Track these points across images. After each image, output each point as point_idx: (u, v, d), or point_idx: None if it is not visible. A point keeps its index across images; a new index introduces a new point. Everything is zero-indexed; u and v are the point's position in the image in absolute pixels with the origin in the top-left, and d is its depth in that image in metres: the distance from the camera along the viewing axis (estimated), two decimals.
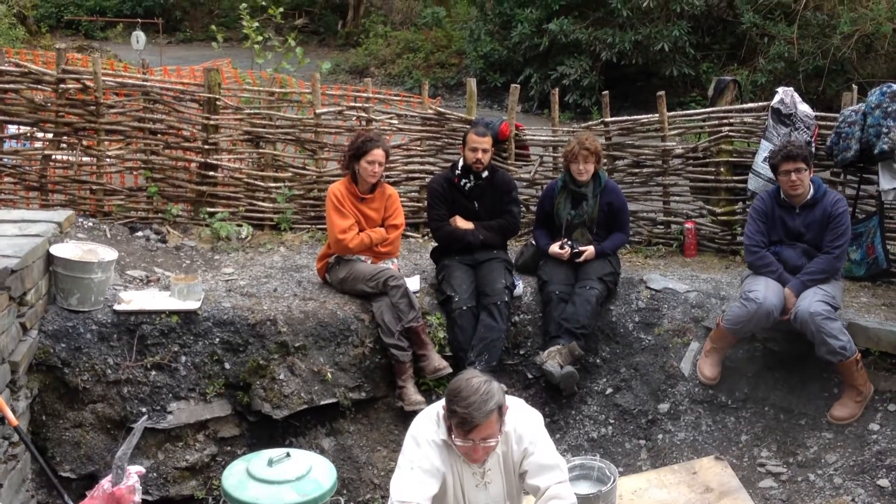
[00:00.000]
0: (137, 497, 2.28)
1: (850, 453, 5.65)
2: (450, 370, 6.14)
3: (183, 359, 5.84)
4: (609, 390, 6.46)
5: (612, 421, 6.34)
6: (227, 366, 5.91)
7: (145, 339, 5.78)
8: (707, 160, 7.71)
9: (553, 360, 6.16)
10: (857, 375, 5.71)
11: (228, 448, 5.92)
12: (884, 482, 5.36)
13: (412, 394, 6.17)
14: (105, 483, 2.28)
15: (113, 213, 7.64)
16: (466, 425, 3.38)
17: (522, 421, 3.71)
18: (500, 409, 3.45)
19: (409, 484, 3.55)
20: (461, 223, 6.72)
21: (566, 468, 3.83)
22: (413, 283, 6.60)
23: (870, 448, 5.60)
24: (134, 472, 2.32)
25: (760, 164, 7.07)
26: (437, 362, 6.19)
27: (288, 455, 5.43)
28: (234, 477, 5.33)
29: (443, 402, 3.62)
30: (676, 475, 5.83)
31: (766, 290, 5.82)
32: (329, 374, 6.08)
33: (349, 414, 6.21)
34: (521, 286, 6.79)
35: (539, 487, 3.69)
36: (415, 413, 6.10)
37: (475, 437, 3.42)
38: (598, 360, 6.58)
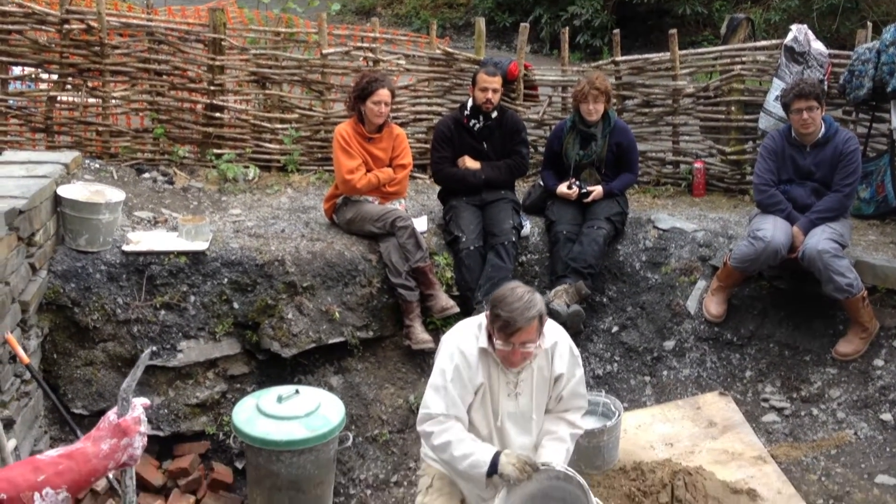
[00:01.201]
0: (143, 427, 2.31)
1: (853, 388, 5.70)
2: (457, 310, 6.18)
3: (192, 298, 5.88)
4: (615, 328, 6.50)
5: (617, 358, 6.39)
6: (235, 305, 5.95)
7: (154, 280, 5.82)
8: (718, 99, 7.66)
9: (560, 299, 6.18)
10: (863, 312, 5.73)
11: (238, 385, 5.99)
12: (886, 416, 5.42)
13: (419, 333, 6.22)
14: (111, 415, 2.31)
15: (119, 155, 7.64)
16: (509, 328, 3.53)
17: (562, 344, 3.86)
18: (541, 318, 3.62)
19: (439, 397, 3.73)
20: (470, 163, 6.70)
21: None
22: (420, 224, 6.61)
23: (873, 383, 5.64)
24: (139, 403, 2.35)
25: (772, 103, 7.01)
26: (444, 301, 6.23)
27: (297, 392, 5.52)
28: (245, 413, 5.42)
29: (482, 314, 3.80)
30: (680, 410, 5.89)
31: (774, 229, 5.81)
32: (337, 314, 6.12)
33: (357, 352, 6.27)
34: (529, 226, 6.80)
35: (565, 410, 3.92)
36: (422, 352, 6.24)
37: (516, 340, 3.57)
38: (604, 299, 6.61)
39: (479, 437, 3.81)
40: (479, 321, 3.84)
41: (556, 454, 3.85)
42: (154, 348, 5.74)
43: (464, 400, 3.75)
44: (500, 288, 3.75)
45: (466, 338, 3.81)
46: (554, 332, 3.89)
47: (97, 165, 7.32)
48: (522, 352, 3.64)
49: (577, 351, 3.95)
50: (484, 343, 3.75)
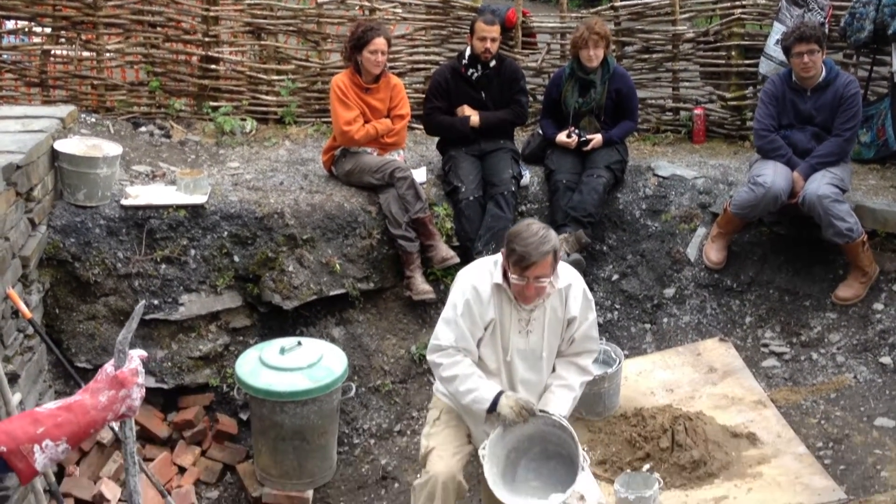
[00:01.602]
0: (140, 379, 2.32)
1: (853, 332, 5.72)
2: (457, 260, 6.18)
3: (192, 252, 5.88)
4: (615, 277, 6.51)
5: (617, 306, 6.41)
6: (235, 258, 5.95)
7: (154, 234, 5.81)
8: (718, 44, 7.58)
9: (560, 248, 6.17)
10: (862, 257, 5.73)
11: (240, 338, 6.02)
12: (886, 359, 5.44)
13: (420, 283, 6.23)
14: (108, 367, 2.32)
15: (115, 109, 7.58)
16: (524, 262, 3.60)
17: (576, 286, 3.92)
18: (555, 254, 3.70)
19: (449, 330, 3.85)
20: (468, 112, 6.66)
21: None
22: (419, 175, 6.59)
23: (873, 327, 5.66)
24: (136, 355, 2.35)
25: (772, 48, 6.94)
26: (444, 252, 6.22)
27: (299, 343, 5.55)
28: (248, 365, 5.46)
29: (499, 253, 3.88)
30: (681, 357, 5.93)
31: (774, 175, 5.79)
32: (337, 266, 6.12)
33: (358, 304, 6.28)
34: (528, 176, 6.77)
35: (576, 354, 3.99)
36: (423, 303, 6.26)
37: (530, 274, 3.63)
38: (604, 248, 6.61)
39: (487, 372, 3.88)
40: (495, 258, 3.92)
41: (563, 401, 3.92)
42: (155, 302, 5.76)
43: (473, 334, 3.83)
44: (515, 225, 3.85)
45: (481, 274, 3.89)
46: (568, 274, 3.96)
47: (93, 120, 7.27)
48: (536, 286, 3.70)
49: (590, 295, 4.00)
50: (499, 279, 3.82)
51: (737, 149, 7.38)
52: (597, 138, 6.58)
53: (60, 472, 5.18)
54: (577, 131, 6.59)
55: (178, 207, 5.88)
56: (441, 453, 4.06)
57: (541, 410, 3.72)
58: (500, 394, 3.74)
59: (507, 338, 3.86)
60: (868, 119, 6.67)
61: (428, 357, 3.97)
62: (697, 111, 7.58)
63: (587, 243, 6.31)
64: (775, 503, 4.58)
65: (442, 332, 3.88)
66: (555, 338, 3.94)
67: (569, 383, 3.98)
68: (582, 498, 4.79)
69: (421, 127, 7.82)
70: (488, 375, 3.89)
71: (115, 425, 4.92)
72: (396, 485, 5.52)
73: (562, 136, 6.63)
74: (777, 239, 6.24)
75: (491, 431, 3.86)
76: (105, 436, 5.41)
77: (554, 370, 4.03)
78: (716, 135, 7.64)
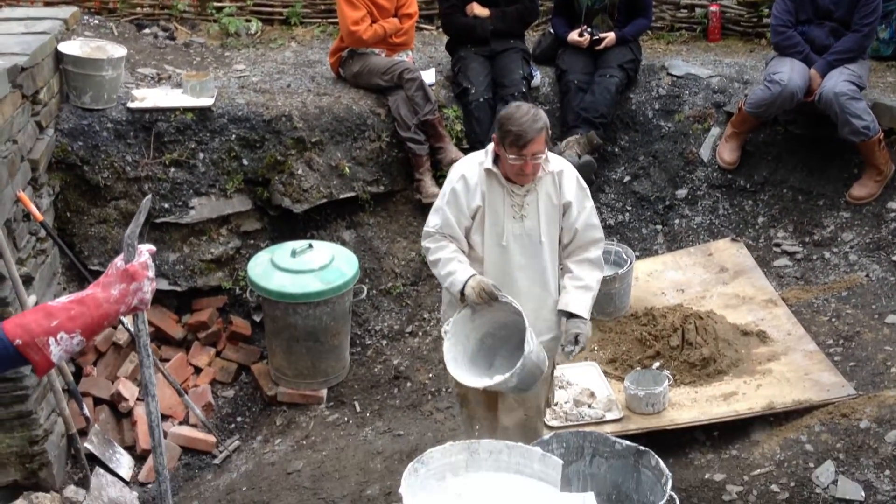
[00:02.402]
0: (151, 272, 2.32)
1: (866, 231, 5.70)
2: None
3: (201, 155, 5.85)
4: (627, 178, 6.46)
5: (629, 208, 6.38)
6: (245, 162, 5.93)
7: (161, 137, 5.78)
8: None
9: (571, 149, 6.12)
10: (878, 155, 5.67)
11: (251, 241, 6.03)
12: None
13: (429, 186, 6.20)
14: (118, 261, 2.31)
15: (118, 10, 7.45)
16: (521, 140, 3.69)
17: (569, 173, 3.97)
18: (547, 131, 3.79)
19: (437, 216, 3.96)
20: (478, 10, 6.51)
21: None
22: (428, 76, 6.49)
23: (886, 225, 5.63)
24: (145, 249, 2.35)
25: None
26: (453, 154, 6.17)
27: (310, 246, 5.58)
28: (260, 267, 5.50)
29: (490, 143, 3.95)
30: (692, 257, 5.93)
31: (791, 72, 5.70)
32: (347, 169, 6.09)
33: (368, 207, 6.27)
34: (539, 76, 6.67)
35: (585, 247, 4.00)
36: (431, 205, 6.21)
37: (527, 152, 3.72)
38: (616, 149, 6.54)
39: (478, 260, 3.94)
40: (486, 148, 3.98)
41: (581, 300, 3.95)
42: (165, 205, 5.76)
43: (459, 222, 3.91)
44: (504, 109, 3.90)
45: (470, 163, 3.97)
46: (559, 162, 4.01)
47: (96, 21, 7.16)
48: (533, 164, 3.77)
49: (584, 184, 4.01)
50: (489, 164, 3.88)
51: (753, 46, 7.22)
52: (609, 37, 6.45)
53: (78, 373, 5.27)
54: (589, 30, 6.46)
55: (185, 110, 5.83)
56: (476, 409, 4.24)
57: (501, 296, 3.75)
58: (471, 276, 3.80)
59: (501, 223, 3.90)
60: (887, 15, 6.50)
61: (422, 244, 4.08)
62: (713, 8, 7.40)
63: (599, 144, 6.25)
64: (784, 399, 4.62)
65: (431, 219, 4.00)
66: (552, 224, 3.95)
67: (585, 283, 3.99)
68: (592, 395, 4.87)
69: (430, 27, 7.70)
70: (479, 263, 3.94)
71: (129, 320, 5.01)
72: (409, 384, 5.60)
73: (574, 35, 6.50)
74: (792, 138, 6.16)
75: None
76: (121, 337, 5.48)
77: (569, 273, 4.03)
78: (731, 32, 7.47)
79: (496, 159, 3.88)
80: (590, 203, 4.00)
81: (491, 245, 3.92)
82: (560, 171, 3.93)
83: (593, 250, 4.01)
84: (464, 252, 3.93)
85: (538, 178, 3.87)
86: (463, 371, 3.81)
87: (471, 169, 3.92)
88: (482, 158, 3.93)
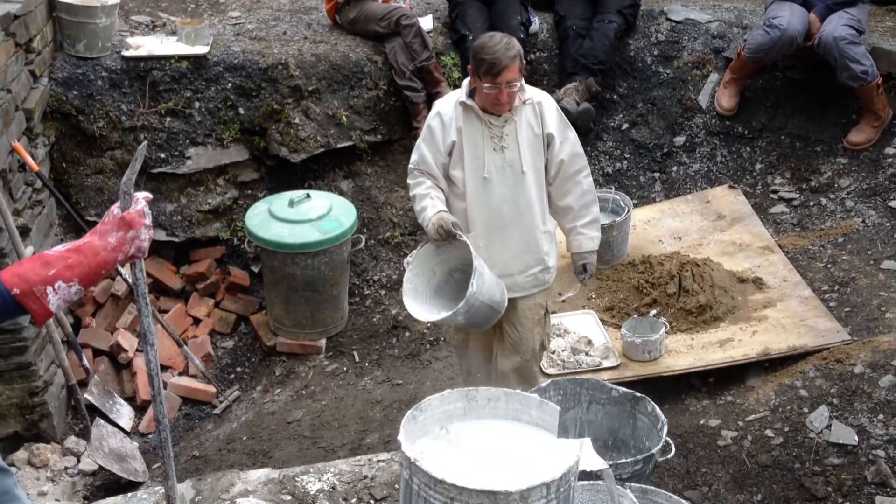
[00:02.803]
0: (148, 220, 2.31)
1: (863, 177, 5.69)
2: None
3: (196, 104, 5.81)
4: (625, 126, 6.43)
5: (627, 156, 6.36)
6: (241, 111, 5.89)
7: (157, 86, 5.73)
8: None
9: (570, 97, 6.08)
10: (876, 100, 5.64)
11: (249, 192, 6.02)
12: (895, 203, 5.42)
13: None
14: (114, 209, 2.30)
15: None
16: (494, 68, 3.70)
17: (549, 104, 3.97)
18: (521, 59, 3.80)
19: (416, 153, 4.00)
20: None
21: None
22: (426, 22, 6.42)
23: (884, 171, 5.62)
24: (142, 197, 2.34)
25: None
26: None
27: (308, 196, 5.56)
28: (257, 217, 5.50)
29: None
30: (689, 204, 5.92)
31: (790, 16, 5.66)
32: (344, 118, 6.06)
33: (366, 156, 6.25)
34: (537, 22, 6.60)
35: (573, 177, 4.01)
36: None
37: (502, 80, 3.73)
38: (614, 96, 6.51)
39: (460, 195, 3.96)
40: (462, 84, 3.99)
41: (590, 239, 4.07)
42: (162, 155, 5.74)
43: (435, 159, 3.93)
44: (478, 39, 3.91)
45: (447, 100, 3.99)
46: (537, 92, 4.01)
47: None
48: (509, 92, 3.78)
49: (564, 116, 4.03)
50: (463, 97, 3.89)
51: None
52: None
53: (77, 325, 5.29)
54: None
55: (181, 58, 5.78)
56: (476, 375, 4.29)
57: (458, 235, 3.78)
58: (436, 213, 3.84)
59: (481, 156, 3.90)
60: None
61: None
62: None
63: (597, 92, 6.21)
64: (779, 345, 4.65)
65: (412, 156, 4.04)
66: (535, 154, 3.94)
67: (591, 218, 4.06)
68: (589, 342, 4.90)
69: None
70: (459, 199, 3.97)
71: (126, 271, 5.02)
72: (407, 334, 5.63)
73: None
74: (790, 84, 6.12)
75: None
76: (119, 288, 5.50)
77: (571, 211, 4.05)
78: None
79: (472, 92, 3.89)
80: (572, 133, 4.01)
81: (472, 179, 3.92)
82: (540, 102, 3.93)
83: (583, 179, 4.03)
84: (441, 189, 3.95)
85: (516, 108, 3.87)
86: (419, 304, 3.88)
87: (446, 105, 3.94)
88: (459, 93, 3.94)
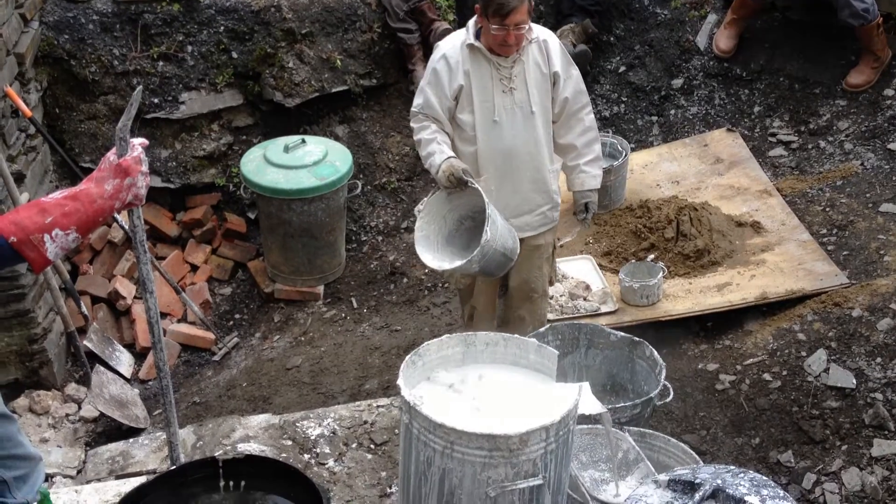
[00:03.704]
0: (144, 167, 2.29)
1: (862, 119, 5.66)
2: (451, 29, 6.02)
3: (189, 48, 5.73)
4: (622, 68, 6.37)
5: (624, 99, 6.31)
6: (234, 55, 5.81)
7: (149, 29, 5.64)
8: None
9: (566, 38, 6.02)
10: (876, 40, 5.59)
11: (244, 137, 5.97)
12: (894, 145, 5.41)
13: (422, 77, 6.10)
14: (111, 156, 2.28)
15: None
16: (504, 9, 3.63)
17: (553, 41, 3.93)
18: (530, 1, 3.72)
19: (420, 97, 3.93)
20: None
21: None
22: None
23: (883, 113, 5.59)
24: (138, 143, 2.31)
25: None
26: (442, 27, 6.04)
27: (303, 141, 5.52)
28: (253, 163, 5.46)
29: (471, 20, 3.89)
30: (687, 148, 5.90)
31: None
32: (338, 61, 5.98)
33: (361, 101, 6.19)
34: None
35: (576, 114, 4.00)
36: None
37: (510, 22, 3.66)
38: (611, 38, 6.44)
39: (468, 139, 3.91)
40: (469, 23, 3.91)
41: (593, 177, 4.06)
42: (155, 100, 5.68)
43: (441, 103, 3.86)
44: None
45: (452, 41, 3.91)
46: (544, 31, 3.97)
47: None
48: (516, 34, 3.72)
49: (567, 53, 3.98)
50: (471, 39, 3.82)
51: None
52: None
53: (74, 272, 5.28)
54: None
55: (172, 1, 5.68)
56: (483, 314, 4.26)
57: (469, 182, 3.73)
58: (445, 159, 3.78)
59: (490, 98, 3.85)
60: None
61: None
62: None
63: (594, 33, 6.15)
64: (777, 289, 4.67)
65: (415, 99, 3.97)
66: (543, 94, 3.91)
67: (593, 156, 4.05)
68: (587, 287, 4.91)
69: None
70: (467, 143, 3.91)
71: (123, 217, 5.00)
72: (405, 279, 5.63)
73: None
74: (789, 25, 6.06)
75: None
76: (116, 235, 5.48)
77: (574, 149, 4.03)
78: None
79: (478, 34, 3.81)
80: (575, 70, 3.98)
81: (483, 122, 3.87)
82: (545, 40, 3.88)
83: (585, 116, 4.01)
84: (447, 133, 3.90)
85: (523, 48, 3.81)
86: (431, 253, 3.84)
87: (452, 48, 3.85)
88: (464, 36, 3.85)
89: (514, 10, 3.63)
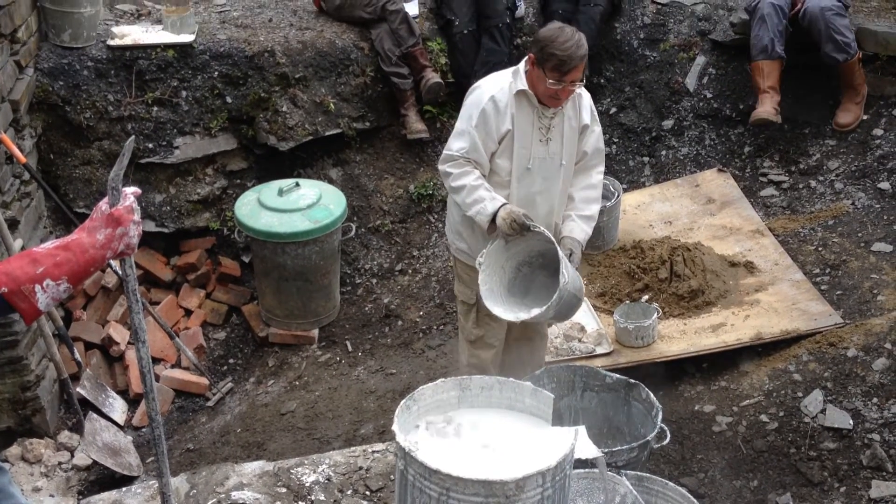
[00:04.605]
0: (137, 216, 2.29)
1: (852, 159, 5.70)
2: (442, 83, 6.07)
3: (183, 93, 5.77)
4: (613, 110, 6.42)
5: (616, 140, 6.36)
6: (228, 99, 5.85)
7: (143, 75, 5.68)
8: None
9: None
10: (857, 75, 5.68)
11: (238, 181, 5.99)
12: (884, 185, 5.44)
13: (414, 122, 6.15)
14: (102, 205, 2.28)
15: None
16: (565, 66, 3.61)
17: (586, 96, 3.96)
18: (586, 58, 3.72)
19: (462, 139, 3.83)
20: None
21: None
22: (412, 8, 6.38)
23: (872, 153, 5.63)
24: (130, 192, 2.31)
25: None
26: (433, 78, 6.08)
27: (297, 185, 5.55)
28: (247, 207, 5.47)
29: (509, 69, 3.87)
30: (679, 188, 5.93)
31: None
32: (332, 105, 6.02)
33: (354, 144, 6.22)
34: (523, 7, 6.58)
35: (591, 168, 4.04)
36: (419, 141, 6.20)
37: (568, 79, 3.65)
38: (601, 80, 6.49)
39: (499, 185, 3.87)
40: (512, 69, 3.87)
41: (583, 231, 3.98)
42: (150, 145, 5.70)
43: (486, 147, 3.81)
44: (544, 29, 3.79)
45: (498, 83, 3.84)
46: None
47: None
48: (569, 90, 3.71)
49: (591, 101, 3.99)
50: (523, 85, 3.77)
51: None
52: None
53: (68, 317, 5.26)
54: None
55: (166, 47, 5.73)
56: (490, 340, 4.19)
57: (533, 226, 3.70)
58: (501, 206, 3.74)
59: (528, 146, 3.83)
60: None
61: (439, 167, 3.94)
62: None
63: (584, 76, 6.18)
64: (772, 329, 4.66)
65: (455, 142, 3.85)
66: (572, 146, 3.92)
67: (590, 214, 4.02)
68: (582, 329, 4.90)
69: None
70: (499, 188, 3.86)
71: (116, 265, 4.99)
72: (400, 322, 5.62)
73: None
74: None
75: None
76: (110, 280, 5.47)
77: (572, 202, 4.03)
78: None
79: (531, 78, 3.78)
80: (598, 127, 4.01)
81: (518, 169, 3.85)
82: (579, 94, 3.89)
83: (595, 174, 4.03)
84: (484, 177, 3.85)
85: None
86: (500, 304, 3.79)
87: (501, 91, 3.79)
88: (510, 79, 3.81)
89: (574, 69, 3.64)
